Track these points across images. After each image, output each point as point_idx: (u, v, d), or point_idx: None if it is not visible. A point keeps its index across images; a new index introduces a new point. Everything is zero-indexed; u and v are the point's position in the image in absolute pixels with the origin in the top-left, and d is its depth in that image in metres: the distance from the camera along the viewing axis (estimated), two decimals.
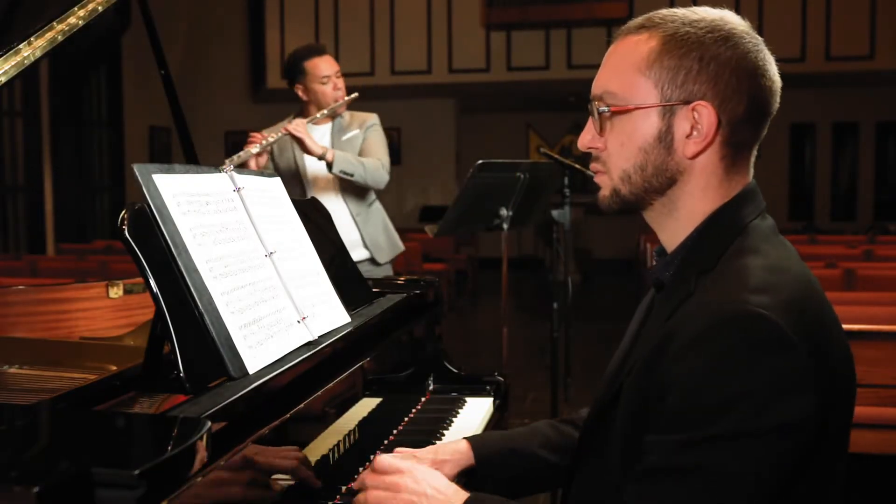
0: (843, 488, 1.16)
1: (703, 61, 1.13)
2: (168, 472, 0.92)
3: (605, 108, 1.19)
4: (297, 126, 3.28)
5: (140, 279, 1.63)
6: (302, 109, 3.53)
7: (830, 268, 4.88)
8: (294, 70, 3.47)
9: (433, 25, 11.22)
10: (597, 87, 1.21)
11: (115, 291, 2.21)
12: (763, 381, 1.01)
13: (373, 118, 3.56)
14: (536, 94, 12.24)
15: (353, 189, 3.44)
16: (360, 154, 3.45)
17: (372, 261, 3.49)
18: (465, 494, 1.22)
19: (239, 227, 1.43)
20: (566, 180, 3.47)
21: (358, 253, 3.44)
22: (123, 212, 1.22)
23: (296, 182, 3.48)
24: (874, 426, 3.01)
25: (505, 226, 3.45)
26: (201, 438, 0.98)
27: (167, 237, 1.25)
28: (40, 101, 9.05)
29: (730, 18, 1.17)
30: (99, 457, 0.93)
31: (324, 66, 3.42)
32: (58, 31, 1.70)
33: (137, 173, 1.27)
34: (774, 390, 1.01)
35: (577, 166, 3.47)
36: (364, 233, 3.47)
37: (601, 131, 1.21)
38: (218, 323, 1.25)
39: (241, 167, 3.12)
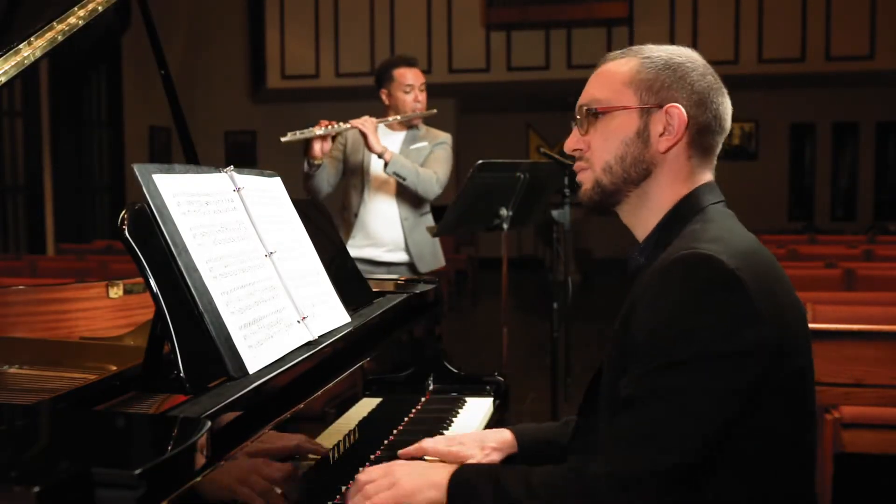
0: (812, 455, 1.29)
1: (675, 75, 1.34)
2: (168, 472, 0.92)
3: (593, 110, 1.38)
4: (365, 121, 3.44)
5: (140, 279, 1.63)
6: (383, 113, 3.68)
7: (830, 268, 4.87)
8: (383, 75, 3.66)
9: (433, 25, 11.22)
10: (583, 99, 1.41)
11: (115, 291, 2.21)
12: (714, 312, 1.16)
13: (445, 137, 3.71)
14: (536, 94, 12.24)
15: (408, 196, 3.56)
16: (422, 164, 3.58)
17: (412, 267, 3.59)
18: (450, 467, 1.34)
19: (239, 227, 1.43)
20: (566, 180, 3.46)
21: (398, 255, 3.59)
22: (123, 212, 1.22)
23: (358, 178, 3.63)
24: (874, 426, 3.01)
25: (505, 226, 3.45)
26: (201, 438, 0.98)
27: (167, 237, 1.25)
28: (40, 101, 9.05)
29: (694, 54, 1.39)
30: (99, 457, 0.93)
31: (409, 76, 3.61)
32: (58, 31, 1.70)
33: (137, 173, 1.27)
34: (725, 321, 1.16)
35: None
36: (409, 239, 3.59)
37: (586, 132, 1.39)
38: (218, 323, 1.25)
39: (308, 153, 3.38)
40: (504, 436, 1.58)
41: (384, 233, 3.59)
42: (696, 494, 1.20)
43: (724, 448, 1.19)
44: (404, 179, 3.46)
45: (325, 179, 3.53)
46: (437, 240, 3.71)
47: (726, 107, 1.37)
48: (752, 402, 1.18)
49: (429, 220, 3.70)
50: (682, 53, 1.37)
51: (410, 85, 3.59)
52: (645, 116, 1.34)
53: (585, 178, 1.40)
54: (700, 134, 1.34)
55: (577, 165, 1.42)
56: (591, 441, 1.35)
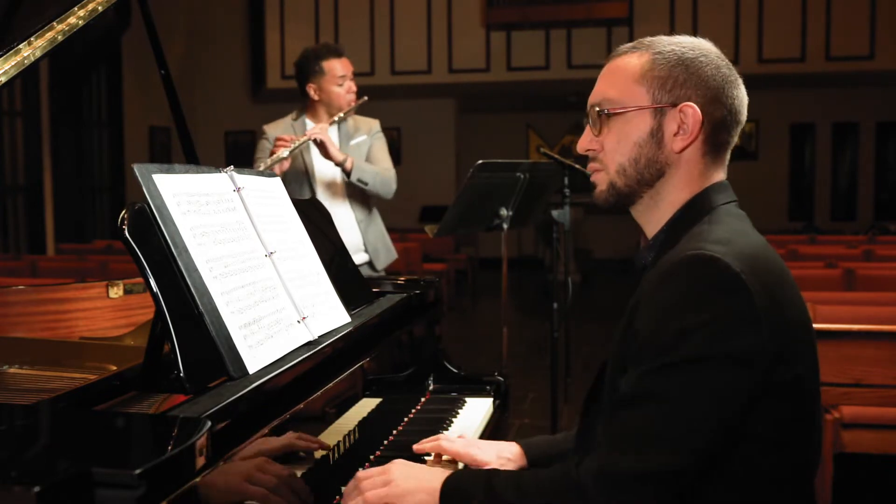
0: (816, 462, 1.28)
1: (688, 71, 1.32)
2: (168, 472, 0.92)
3: (605, 111, 1.35)
4: (321, 131, 3.28)
5: (140, 279, 1.63)
6: (307, 108, 3.51)
7: (830, 268, 4.88)
8: (309, 68, 3.42)
9: (433, 25, 11.22)
10: (595, 97, 1.38)
11: (115, 291, 2.21)
12: (714, 315, 1.14)
13: (377, 124, 3.58)
14: (536, 94, 12.24)
15: (358, 196, 3.47)
16: (366, 160, 3.48)
17: (370, 265, 3.52)
18: (446, 473, 1.33)
19: (239, 227, 1.43)
20: (566, 180, 3.46)
21: (358, 257, 3.47)
22: (123, 212, 1.22)
23: (304, 184, 3.47)
24: (874, 426, 3.01)
25: (505, 226, 3.45)
26: (201, 438, 0.97)
27: (167, 237, 1.25)
28: (40, 101, 9.05)
29: (706, 44, 1.36)
30: (99, 457, 0.93)
31: (340, 67, 3.39)
32: (58, 31, 1.70)
33: (137, 173, 1.27)
34: (725, 324, 1.14)
35: (577, 166, 3.47)
36: (366, 238, 3.51)
37: (599, 133, 1.37)
38: (218, 323, 1.25)
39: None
40: (515, 449, 1.59)
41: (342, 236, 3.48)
42: (690, 501, 1.18)
43: (719, 454, 1.17)
44: (367, 185, 3.35)
45: None
46: (386, 234, 3.61)
47: (742, 99, 1.35)
48: (749, 408, 1.16)
49: (378, 215, 3.61)
50: (695, 46, 1.34)
51: (343, 76, 3.38)
52: (658, 116, 1.31)
53: (600, 180, 1.38)
54: (715, 130, 1.32)
55: (591, 166, 1.40)
56: (592, 441, 1.34)
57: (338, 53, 3.42)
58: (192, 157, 2.02)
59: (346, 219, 3.46)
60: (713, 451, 1.16)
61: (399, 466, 1.36)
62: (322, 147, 3.28)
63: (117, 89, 10.63)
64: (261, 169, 3.12)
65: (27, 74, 1.71)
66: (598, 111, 1.35)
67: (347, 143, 3.47)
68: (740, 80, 1.35)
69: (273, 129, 3.51)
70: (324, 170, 3.44)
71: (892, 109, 11.76)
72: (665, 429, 1.14)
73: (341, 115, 3.39)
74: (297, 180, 3.47)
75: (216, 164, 1.52)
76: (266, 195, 1.58)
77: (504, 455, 1.56)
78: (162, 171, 1.32)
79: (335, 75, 3.38)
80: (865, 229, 10.69)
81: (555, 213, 3.46)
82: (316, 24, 11.45)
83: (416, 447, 1.58)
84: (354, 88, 3.44)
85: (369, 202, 3.53)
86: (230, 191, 1.46)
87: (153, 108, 10.46)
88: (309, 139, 3.28)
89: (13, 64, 1.63)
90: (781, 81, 10.62)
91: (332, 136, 3.44)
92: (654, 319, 1.18)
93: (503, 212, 3.42)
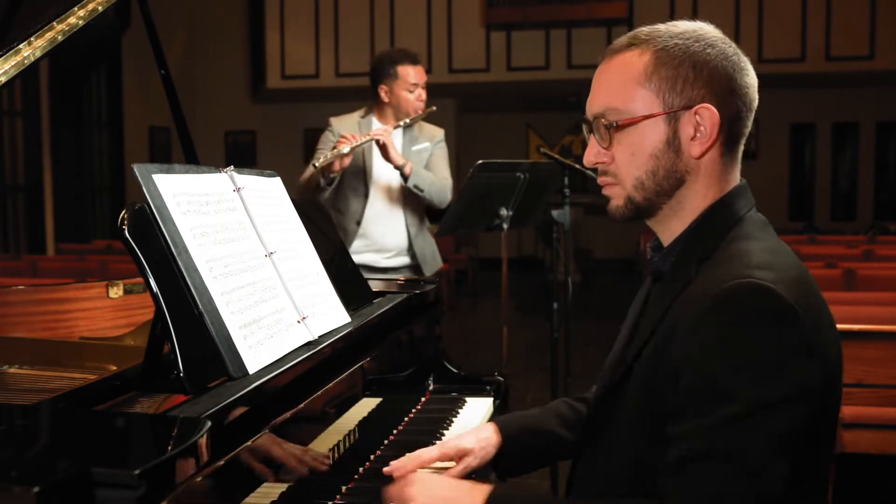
0: (826, 479, 1.25)
1: (696, 68, 1.21)
2: (168, 472, 0.92)
3: (613, 123, 1.24)
4: (384, 133, 3.30)
5: (140, 279, 1.63)
6: (375, 108, 3.54)
7: (830, 268, 4.88)
8: (384, 70, 3.47)
9: (433, 25, 11.22)
10: (595, 106, 1.27)
11: (115, 291, 2.21)
12: (773, 350, 1.07)
13: (441, 133, 3.62)
14: (536, 94, 12.25)
15: (413, 203, 3.51)
16: (426, 167, 3.51)
17: (414, 270, 3.54)
18: (485, 489, 1.23)
19: (239, 227, 1.43)
20: (566, 180, 3.45)
21: (400, 260, 3.53)
22: (123, 212, 1.22)
23: (360, 182, 3.49)
24: (874, 426, 3.01)
25: (505, 226, 3.45)
26: (201, 438, 0.98)
27: (167, 237, 1.25)
28: (40, 101, 9.05)
29: (708, 28, 1.26)
30: (99, 457, 0.93)
31: (414, 74, 3.46)
32: (58, 31, 1.70)
33: (137, 173, 1.27)
34: (784, 359, 1.07)
35: (577, 166, 3.46)
36: (414, 243, 3.54)
37: (608, 146, 1.26)
38: (218, 323, 1.25)
39: (327, 168, 3.21)
40: (491, 427, 1.55)
41: (388, 239, 3.51)
42: None
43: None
44: (422, 191, 3.39)
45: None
46: (434, 243, 3.66)
47: (752, 84, 1.25)
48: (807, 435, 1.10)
49: (426, 223, 3.66)
50: (699, 35, 1.23)
51: (415, 84, 3.45)
52: (673, 122, 1.22)
53: (614, 194, 1.29)
54: (732, 126, 1.23)
55: (602, 180, 1.29)
56: (606, 454, 1.29)
57: (414, 61, 3.50)
58: (192, 157, 2.02)
59: (396, 222, 3.51)
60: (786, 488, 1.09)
61: (421, 488, 1.26)
62: (383, 149, 3.31)
63: (117, 89, 10.63)
64: (320, 162, 3.14)
65: (27, 74, 1.71)
66: (604, 124, 1.25)
67: (410, 149, 3.51)
68: (747, 61, 1.25)
69: (339, 123, 3.54)
70: (382, 172, 3.46)
71: (892, 109, 11.76)
72: (740, 484, 1.06)
73: (406, 120, 3.43)
74: (355, 179, 3.49)
75: (216, 164, 1.52)
76: (266, 195, 1.58)
77: (482, 436, 1.52)
78: (162, 171, 1.32)
79: (408, 81, 3.45)
80: (865, 229, 10.69)
81: (555, 213, 3.45)
82: (316, 24, 11.46)
83: (387, 470, 1.45)
84: (424, 97, 3.50)
85: (422, 211, 3.57)
86: (230, 191, 1.46)
87: (153, 108, 10.45)
88: (371, 139, 3.29)
89: (13, 64, 1.63)
90: (781, 81, 10.62)
91: (395, 139, 3.47)
92: (706, 355, 1.09)
93: (503, 212, 3.42)
